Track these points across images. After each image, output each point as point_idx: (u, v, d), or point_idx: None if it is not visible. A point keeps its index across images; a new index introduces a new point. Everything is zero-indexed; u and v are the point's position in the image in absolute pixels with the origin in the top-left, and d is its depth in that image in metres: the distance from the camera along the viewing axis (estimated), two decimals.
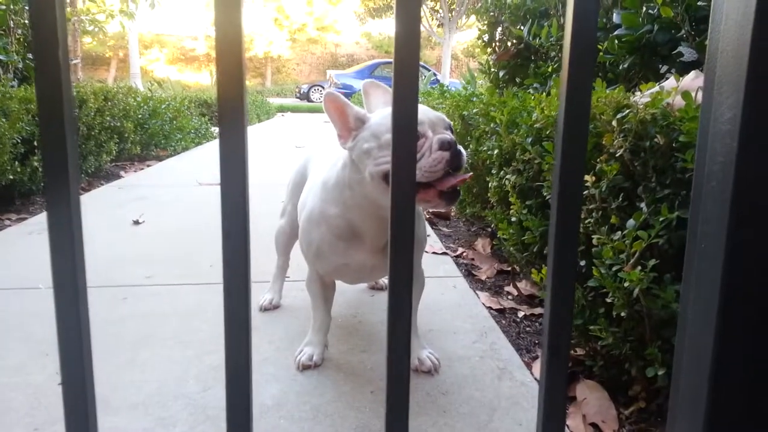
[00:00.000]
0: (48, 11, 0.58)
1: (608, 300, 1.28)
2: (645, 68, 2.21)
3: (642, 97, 1.30)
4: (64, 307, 0.65)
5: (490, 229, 2.73)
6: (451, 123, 1.26)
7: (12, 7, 4.19)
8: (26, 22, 4.50)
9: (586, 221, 1.41)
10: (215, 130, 7.96)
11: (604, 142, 1.34)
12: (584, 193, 1.41)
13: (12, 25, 4.18)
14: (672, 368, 1.16)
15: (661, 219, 1.15)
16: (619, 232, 1.26)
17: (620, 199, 1.31)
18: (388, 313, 0.69)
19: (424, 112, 1.22)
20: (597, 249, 1.33)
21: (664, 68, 2.23)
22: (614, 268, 1.24)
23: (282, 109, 16.03)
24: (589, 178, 1.39)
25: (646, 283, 1.14)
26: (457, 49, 30.50)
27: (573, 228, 0.68)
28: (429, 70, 17.20)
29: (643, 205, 1.23)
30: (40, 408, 1.25)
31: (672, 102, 1.26)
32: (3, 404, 1.26)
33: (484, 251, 2.52)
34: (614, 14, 2.34)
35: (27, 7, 4.46)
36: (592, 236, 1.37)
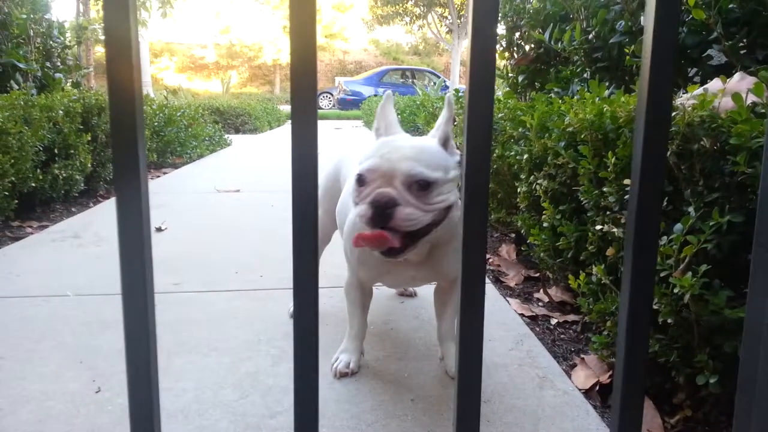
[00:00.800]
0: (122, 20, 0.57)
1: (654, 306, 1.25)
2: (675, 72, 2.19)
3: (688, 99, 1.28)
4: (133, 312, 0.63)
5: (514, 235, 2.70)
6: (421, 176, 1.17)
7: (32, 16, 4.22)
8: (44, 30, 4.54)
9: None
10: (229, 137, 7.98)
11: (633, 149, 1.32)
12: (625, 197, 1.39)
13: (32, 34, 4.21)
14: (722, 375, 1.14)
15: (711, 223, 1.13)
16: (665, 237, 1.24)
17: (664, 203, 1.29)
18: (459, 324, 0.67)
19: (387, 160, 1.17)
20: None
21: (692, 71, 2.21)
22: (661, 274, 1.22)
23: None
24: (629, 181, 1.37)
25: (697, 288, 1.12)
26: (465, 55, 30.49)
27: (652, 239, 0.66)
28: (439, 77, 17.22)
29: (691, 209, 1.21)
30: (78, 416, 1.24)
31: (718, 105, 1.24)
32: (42, 412, 1.25)
33: (509, 257, 2.50)
34: (642, 17, 2.32)
35: (45, 16, 4.50)
36: None
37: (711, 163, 1.21)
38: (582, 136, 1.68)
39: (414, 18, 25.77)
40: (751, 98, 1.17)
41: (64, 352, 1.54)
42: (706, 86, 1.41)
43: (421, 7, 24.81)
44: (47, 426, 1.20)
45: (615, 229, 1.44)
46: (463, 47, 24.50)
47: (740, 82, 1.32)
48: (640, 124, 0.65)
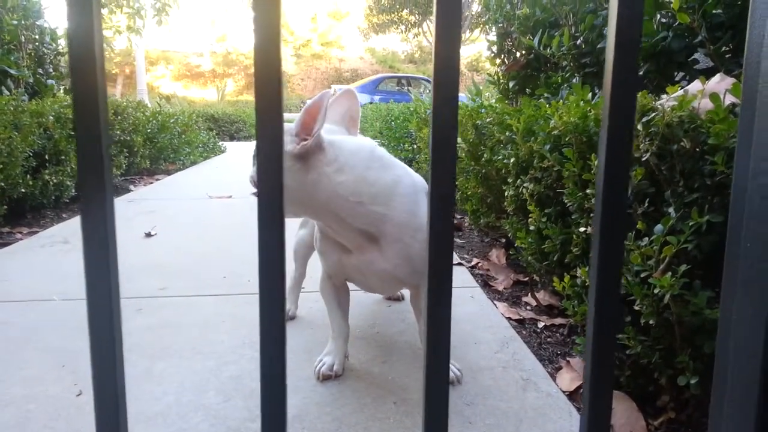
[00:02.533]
0: (85, 25, 0.57)
1: (636, 308, 1.25)
2: (660, 76, 2.20)
3: (668, 100, 1.28)
4: (97, 318, 0.63)
5: (504, 240, 2.70)
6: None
7: (23, 22, 4.22)
8: (36, 37, 4.54)
9: None
10: (223, 144, 7.99)
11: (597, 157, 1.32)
12: None
13: (23, 40, 4.21)
14: (703, 376, 1.14)
15: (690, 224, 1.13)
16: (646, 238, 1.24)
17: (646, 204, 1.29)
18: (427, 322, 0.67)
19: None
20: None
21: (679, 75, 2.22)
22: (642, 275, 1.22)
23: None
24: None
25: (677, 288, 1.12)
26: (460, 63, 30.57)
27: (618, 237, 0.66)
28: None
29: (671, 210, 1.21)
30: (59, 419, 1.23)
31: (698, 105, 1.24)
32: (21, 415, 1.24)
33: (499, 262, 2.50)
34: None
35: (37, 22, 4.50)
36: None
37: (691, 164, 1.22)
38: (567, 139, 1.68)
39: (409, 26, 25.87)
40: (729, 99, 1.18)
41: (47, 355, 1.53)
42: (686, 87, 1.42)
43: (417, 15, 24.91)
44: (27, 428, 1.19)
45: None
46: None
47: (720, 83, 1.32)
48: (604, 125, 0.65)
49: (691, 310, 1.14)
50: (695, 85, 1.38)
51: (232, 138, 10.32)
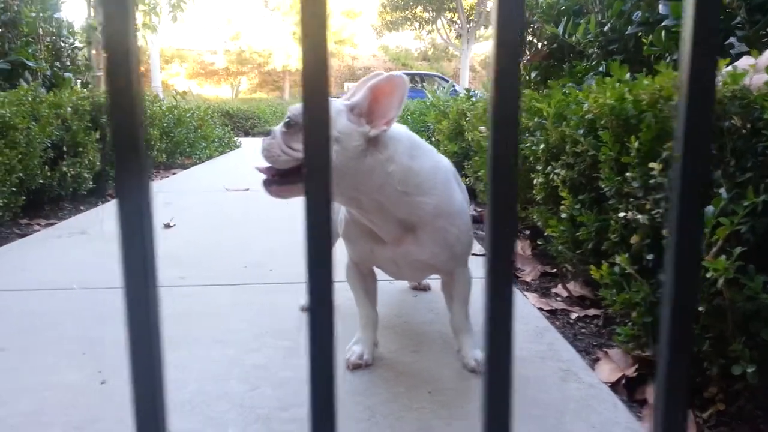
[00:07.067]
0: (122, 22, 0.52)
1: None
2: None
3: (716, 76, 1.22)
4: (134, 304, 0.59)
5: (529, 231, 2.64)
6: (290, 115, 1.24)
7: (42, 15, 4.21)
8: (54, 30, 4.53)
9: (653, 212, 1.33)
10: (238, 139, 7.97)
11: (675, 126, 1.26)
12: (650, 182, 1.33)
13: (41, 33, 4.20)
14: (761, 364, 1.07)
15: (745, 204, 1.06)
16: None
17: None
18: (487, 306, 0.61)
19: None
20: (667, 241, 1.24)
21: None
22: None
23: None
24: (656, 165, 1.31)
25: (731, 272, 1.05)
26: (474, 60, 30.48)
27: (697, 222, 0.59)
28: (447, 81, 17.18)
29: (722, 190, 1.14)
30: (78, 406, 1.19)
31: (750, 81, 1.17)
32: (39, 402, 1.20)
33: (524, 253, 2.44)
34: (660, 5, 2.26)
35: (54, 15, 4.49)
36: (662, 228, 1.28)
37: (743, 142, 1.15)
38: (602, 122, 1.62)
39: (423, 23, 25.77)
40: None
41: (66, 343, 1.50)
42: (735, 63, 1.35)
43: (431, 12, 24.81)
44: (44, 416, 1.15)
45: (639, 216, 1.37)
46: (472, 52, 24.48)
47: None
48: (683, 98, 0.58)
49: (746, 295, 1.08)
50: (745, 61, 1.31)
51: (246, 134, 10.32)
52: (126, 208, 0.59)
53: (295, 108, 1.22)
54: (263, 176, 1.25)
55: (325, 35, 0.51)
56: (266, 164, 1.24)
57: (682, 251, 0.61)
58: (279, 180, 1.23)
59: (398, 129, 1.27)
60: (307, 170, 0.55)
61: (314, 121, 0.55)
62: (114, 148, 0.57)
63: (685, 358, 0.60)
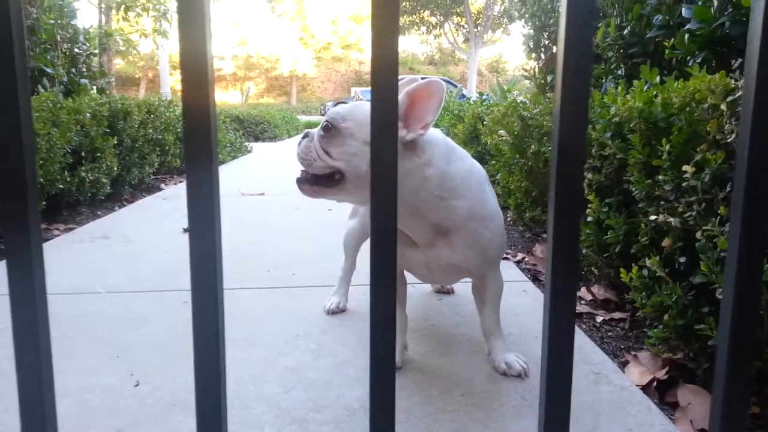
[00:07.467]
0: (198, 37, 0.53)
1: (718, 296, 1.19)
2: (718, 64, 2.12)
3: None
4: (202, 302, 0.60)
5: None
6: (329, 119, 1.23)
7: (59, 21, 4.24)
8: (71, 36, 4.56)
9: (686, 215, 1.33)
10: (249, 144, 8.00)
11: (708, 128, 1.26)
12: (683, 185, 1.33)
13: (59, 40, 4.23)
14: None
15: None
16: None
17: (728, 189, 1.23)
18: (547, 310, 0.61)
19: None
20: (701, 243, 1.24)
21: (737, 63, 2.14)
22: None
23: (309, 125, 16.17)
24: (688, 168, 1.31)
25: None
26: (481, 64, 30.48)
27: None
28: (456, 86, 17.18)
29: None
30: (119, 409, 1.20)
31: None
32: (81, 405, 1.21)
33: (545, 256, 2.43)
34: (683, 9, 2.26)
35: (72, 22, 4.53)
36: (694, 230, 1.28)
37: None
38: (630, 126, 1.62)
39: (430, 27, 25.81)
40: None
41: (99, 347, 1.51)
42: None
43: (438, 16, 24.85)
44: (86, 418, 1.16)
45: (671, 219, 1.37)
46: (479, 56, 24.48)
47: None
48: (748, 100, 0.58)
49: None
50: None
51: (257, 139, 10.36)
52: (195, 206, 0.60)
53: (335, 112, 1.23)
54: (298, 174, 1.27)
55: (396, 47, 0.52)
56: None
57: (744, 253, 0.61)
58: (312, 179, 1.24)
59: (434, 133, 1.27)
60: (373, 189, 0.56)
61: (382, 132, 0.56)
62: (186, 154, 0.58)
63: (748, 346, 0.60)
